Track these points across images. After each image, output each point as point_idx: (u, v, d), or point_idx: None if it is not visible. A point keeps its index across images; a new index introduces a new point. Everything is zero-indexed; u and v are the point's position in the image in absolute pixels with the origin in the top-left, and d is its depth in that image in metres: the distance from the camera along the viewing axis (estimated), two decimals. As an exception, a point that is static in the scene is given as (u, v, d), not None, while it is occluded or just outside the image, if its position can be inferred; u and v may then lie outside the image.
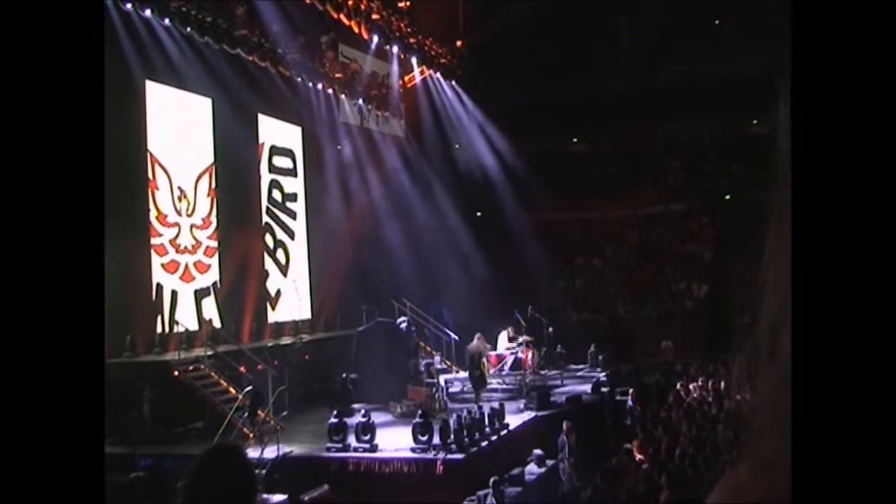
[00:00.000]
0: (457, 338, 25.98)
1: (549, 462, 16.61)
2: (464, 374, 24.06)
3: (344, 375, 21.17)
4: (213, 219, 23.11)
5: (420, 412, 17.37)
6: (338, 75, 27.21)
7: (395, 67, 30.04)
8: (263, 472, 14.02)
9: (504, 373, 23.61)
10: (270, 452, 15.72)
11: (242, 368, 18.84)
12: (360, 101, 28.74)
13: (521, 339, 24.01)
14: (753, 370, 1.00)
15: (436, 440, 15.99)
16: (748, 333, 1.01)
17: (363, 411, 17.17)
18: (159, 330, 20.59)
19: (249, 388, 18.22)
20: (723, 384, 19.64)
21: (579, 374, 25.45)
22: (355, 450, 16.16)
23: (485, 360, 21.02)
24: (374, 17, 25.98)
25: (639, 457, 14.37)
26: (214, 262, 22.97)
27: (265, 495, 12.99)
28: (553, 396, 20.85)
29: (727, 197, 34.25)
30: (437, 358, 24.12)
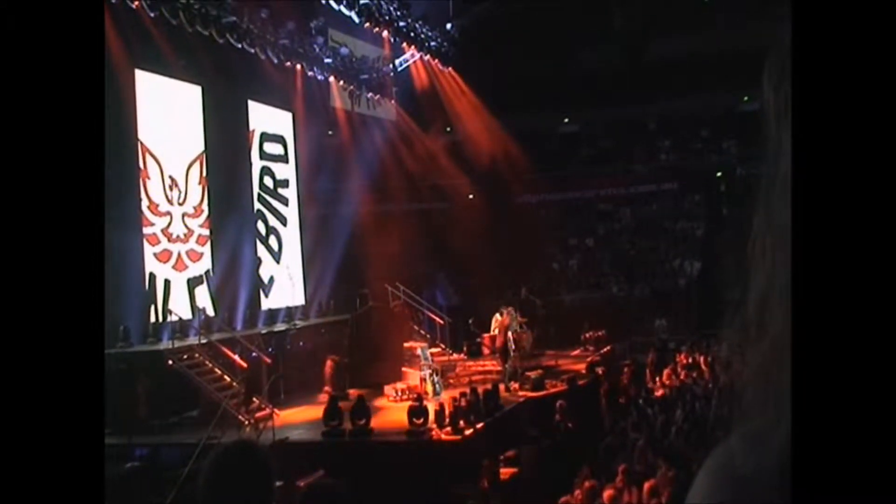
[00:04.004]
0: (450, 320, 26.06)
1: (545, 443, 16.66)
2: (457, 357, 24.21)
3: (338, 360, 21.21)
4: (205, 207, 23.04)
5: (415, 395, 17.45)
6: (328, 60, 27.11)
7: (385, 51, 29.94)
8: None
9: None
10: (266, 439, 15.74)
11: (237, 356, 18.82)
12: (351, 85, 28.62)
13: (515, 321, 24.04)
14: (744, 345, 1.01)
15: (431, 423, 16.06)
16: (738, 309, 1.02)
17: (358, 395, 17.20)
18: (153, 319, 20.54)
19: (244, 375, 18.25)
20: (716, 360, 19.69)
21: (573, 353, 25.50)
22: (351, 434, 16.21)
23: (510, 333, 21.05)
24: (363, 0, 25.91)
25: (634, 435, 14.42)
26: (207, 250, 22.92)
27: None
28: (547, 377, 20.90)
29: (719, 174, 34.34)
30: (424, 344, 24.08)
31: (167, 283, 21.35)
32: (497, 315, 22.36)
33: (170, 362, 18.40)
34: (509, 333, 20.95)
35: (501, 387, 19.41)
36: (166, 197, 21.72)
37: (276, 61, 24.74)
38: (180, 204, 22.18)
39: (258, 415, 17.66)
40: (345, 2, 25.02)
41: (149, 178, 21.24)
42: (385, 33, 28.28)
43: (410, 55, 31.01)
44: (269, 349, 20.45)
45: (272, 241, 26.18)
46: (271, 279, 25.57)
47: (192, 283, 22.17)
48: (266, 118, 26.40)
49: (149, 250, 21.02)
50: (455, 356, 24.80)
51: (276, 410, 17.88)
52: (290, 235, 27.07)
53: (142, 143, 21.04)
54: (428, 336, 25.33)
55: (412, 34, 28.92)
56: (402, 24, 27.99)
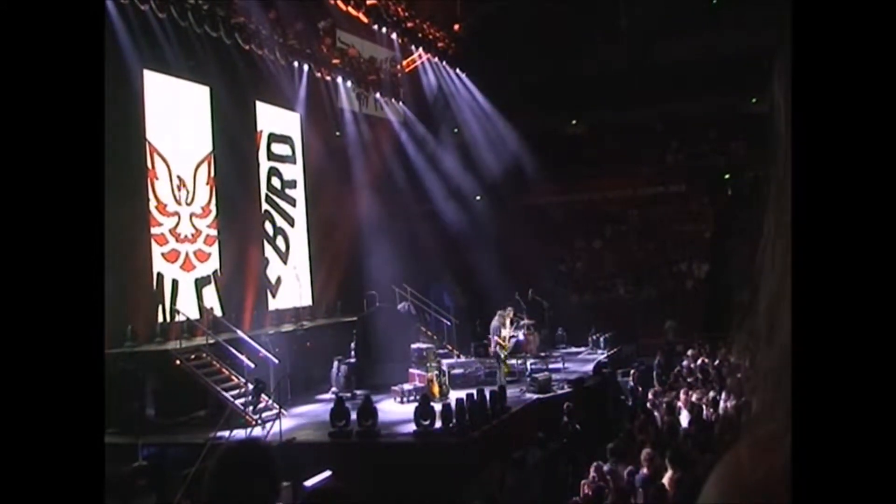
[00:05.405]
0: (457, 322, 26.06)
1: (552, 445, 16.63)
2: (465, 359, 24.18)
3: (345, 361, 21.23)
4: (213, 207, 23.07)
5: (422, 396, 17.44)
6: (335, 61, 27.11)
7: (393, 52, 29.95)
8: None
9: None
10: (273, 439, 15.75)
11: (244, 356, 18.83)
12: (359, 86, 28.61)
13: (522, 323, 24.02)
14: (753, 349, 1.00)
15: (437, 424, 16.04)
16: (747, 313, 1.01)
17: (365, 396, 17.20)
18: (160, 319, 20.58)
19: (251, 376, 18.26)
20: (724, 363, 19.65)
21: (581, 356, 25.48)
22: (357, 435, 16.20)
23: (503, 334, 21.04)
24: (370, 2, 25.92)
25: (640, 437, 14.39)
26: (214, 250, 22.95)
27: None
28: (554, 379, 20.88)
29: (727, 176, 34.22)
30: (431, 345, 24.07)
31: (175, 283, 21.39)
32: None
33: (177, 362, 18.44)
34: (503, 333, 20.97)
35: (509, 388, 19.40)
36: (174, 197, 21.76)
37: (283, 62, 24.77)
38: (188, 204, 22.21)
39: (265, 415, 17.68)
40: (353, 3, 25.03)
41: (157, 179, 21.28)
42: (393, 34, 28.30)
43: (418, 56, 31.02)
44: (277, 350, 20.45)
45: (280, 241, 26.21)
46: (279, 280, 25.58)
47: (200, 284, 22.20)
48: (274, 119, 26.43)
49: (157, 250, 21.06)
50: (462, 357, 24.81)
51: (283, 411, 17.89)
52: (298, 236, 27.10)
53: (150, 143, 21.08)
54: (435, 337, 25.36)
55: (420, 35, 28.91)
56: (409, 25, 27.99)
